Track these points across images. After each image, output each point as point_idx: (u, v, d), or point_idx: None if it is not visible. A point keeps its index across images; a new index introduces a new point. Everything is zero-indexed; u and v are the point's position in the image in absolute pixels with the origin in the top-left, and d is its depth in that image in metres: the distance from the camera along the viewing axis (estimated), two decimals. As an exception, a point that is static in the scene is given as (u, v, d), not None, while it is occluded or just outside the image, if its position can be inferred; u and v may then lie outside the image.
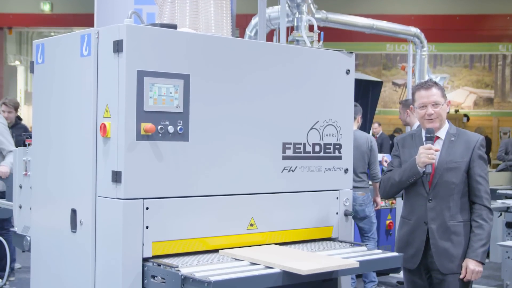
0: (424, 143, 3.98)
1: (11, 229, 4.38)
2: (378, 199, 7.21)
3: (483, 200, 3.98)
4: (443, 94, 4.04)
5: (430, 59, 19.86)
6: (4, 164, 6.75)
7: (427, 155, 3.89)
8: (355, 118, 6.98)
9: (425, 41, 11.72)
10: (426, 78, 11.72)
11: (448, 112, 4.14)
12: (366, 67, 21.10)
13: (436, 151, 3.94)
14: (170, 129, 3.26)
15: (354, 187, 6.69)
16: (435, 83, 4.06)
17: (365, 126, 8.58)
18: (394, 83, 20.99)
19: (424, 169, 3.91)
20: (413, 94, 4.11)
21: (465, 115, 19.99)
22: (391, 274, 7.89)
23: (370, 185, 7.18)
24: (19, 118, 8.51)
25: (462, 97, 21.06)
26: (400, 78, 20.11)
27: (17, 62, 21.38)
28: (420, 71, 11.84)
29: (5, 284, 6.91)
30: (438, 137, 4.05)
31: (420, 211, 4.04)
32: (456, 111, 20.35)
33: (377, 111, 16.80)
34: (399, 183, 4.08)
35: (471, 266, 3.92)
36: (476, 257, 3.92)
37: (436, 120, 4.01)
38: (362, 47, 20.63)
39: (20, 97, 20.74)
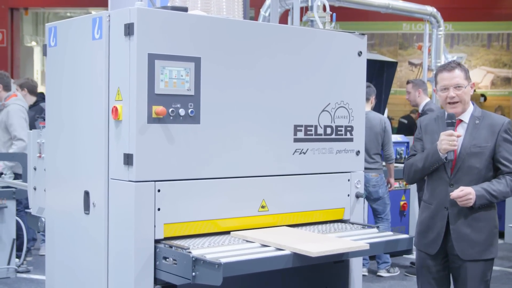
0: (446, 129, 3.88)
1: (26, 210, 4.44)
2: (392, 180, 7.20)
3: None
4: (466, 76, 3.92)
5: (447, 38, 19.65)
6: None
7: (448, 141, 3.81)
8: (368, 99, 6.97)
9: (441, 21, 11.59)
10: (442, 58, 11.61)
11: (472, 93, 4.03)
12: (382, 47, 20.92)
13: (458, 136, 3.84)
14: (181, 112, 3.27)
15: (367, 168, 6.77)
16: (459, 65, 3.95)
17: (380, 107, 8.53)
18: (410, 63, 20.80)
19: (446, 155, 3.85)
20: (435, 76, 4.03)
21: (482, 95, 19.79)
22: (404, 255, 7.90)
23: (383, 166, 7.17)
24: (42, 98, 8.55)
25: (480, 77, 20.80)
26: (417, 57, 19.92)
27: (33, 43, 21.42)
28: (436, 51, 11.72)
29: (22, 264, 7.01)
30: (461, 121, 3.96)
31: (441, 195, 3.97)
32: (474, 90, 20.17)
33: (393, 91, 16.66)
34: (422, 169, 4.02)
35: (468, 190, 3.78)
36: (477, 191, 3.79)
37: (458, 104, 3.91)
38: (378, 27, 20.45)
39: (37, 78, 20.82)
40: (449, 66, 3.96)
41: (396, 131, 13.96)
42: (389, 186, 7.18)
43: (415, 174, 4.09)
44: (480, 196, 3.80)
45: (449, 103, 3.93)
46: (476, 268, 3.89)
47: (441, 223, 3.96)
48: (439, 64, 11.48)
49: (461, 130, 3.95)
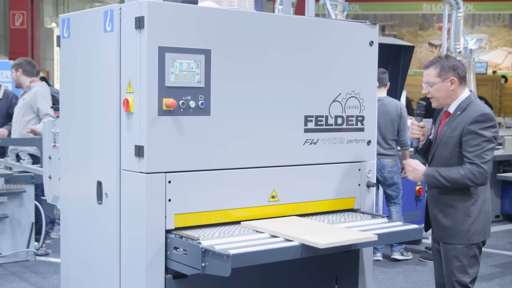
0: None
1: (42, 197, 4.52)
2: (407, 166, 7.18)
3: (471, 159, 3.83)
4: (440, 74, 3.94)
5: (468, 18, 19.43)
6: (39, 125, 6.99)
7: (410, 130, 4.10)
8: (385, 85, 6.96)
9: (461, 2, 11.48)
10: (462, 40, 11.52)
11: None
12: (402, 28, 20.77)
13: (421, 127, 4.06)
14: (192, 104, 3.31)
15: (383, 154, 6.78)
16: (438, 60, 3.98)
17: (396, 91, 8.49)
18: (430, 44, 20.64)
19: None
20: None
21: (503, 76, 19.59)
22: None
23: (399, 151, 7.16)
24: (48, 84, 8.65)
25: (501, 58, 20.60)
26: (437, 38, 19.76)
27: (53, 24, 21.52)
28: (456, 33, 11.62)
29: (41, 247, 7.13)
30: (450, 113, 4.02)
31: None
32: (494, 72, 19.96)
33: (413, 72, 16.52)
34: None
35: (413, 162, 3.95)
36: (427, 169, 3.92)
37: (433, 100, 4.03)
38: (398, 7, 20.30)
39: (57, 59, 20.97)
40: (426, 64, 4.04)
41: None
42: (403, 172, 7.17)
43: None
44: (428, 174, 3.91)
45: (429, 98, 4.08)
46: (448, 250, 3.99)
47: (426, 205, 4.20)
48: (458, 46, 11.40)
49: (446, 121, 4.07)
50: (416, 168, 3.94)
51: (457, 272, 3.94)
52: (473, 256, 3.97)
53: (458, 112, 3.97)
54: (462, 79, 3.99)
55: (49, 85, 8.40)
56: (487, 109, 3.95)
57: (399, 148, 7.15)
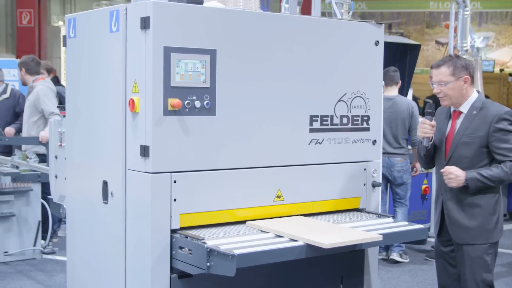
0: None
1: (48, 196, 4.54)
2: (418, 165, 7.16)
3: (510, 156, 3.90)
4: (453, 72, 3.96)
5: (475, 16, 19.37)
6: (46, 129, 6.98)
7: (421, 129, 4.04)
8: (397, 83, 6.94)
9: (468, 0, 11.45)
10: (469, 38, 11.49)
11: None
12: (409, 26, 20.70)
13: (432, 126, 4.02)
14: (197, 104, 3.32)
15: (393, 153, 6.77)
16: (449, 59, 4.00)
17: (403, 90, 8.47)
18: (437, 42, 20.57)
19: (423, 141, 4.09)
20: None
21: (510, 75, 19.51)
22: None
23: (409, 149, 7.14)
24: (57, 82, 8.64)
25: (508, 56, 20.50)
26: (444, 36, 19.67)
27: (60, 23, 21.54)
28: (463, 31, 11.58)
29: (48, 245, 7.16)
30: (461, 112, 4.04)
31: (439, 181, 4.14)
32: (501, 70, 19.87)
33: (419, 70, 16.48)
34: (419, 155, 4.27)
35: (454, 169, 3.91)
36: (469, 173, 3.89)
37: (444, 99, 4.02)
38: (405, 5, 20.24)
39: (64, 57, 20.96)
40: (437, 63, 4.04)
41: (422, 110, 13.86)
42: (414, 170, 7.17)
43: (419, 160, 4.36)
44: (472, 179, 3.89)
45: (439, 97, 4.06)
46: (472, 251, 3.98)
47: (439, 207, 4.16)
48: (465, 44, 11.36)
49: (459, 122, 4.05)
50: (458, 174, 3.90)
51: (483, 272, 3.96)
52: (495, 254, 4.02)
53: (474, 112, 3.98)
54: (472, 78, 4.02)
55: (60, 84, 8.42)
56: (506, 107, 4.01)
57: (409, 147, 7.13)
